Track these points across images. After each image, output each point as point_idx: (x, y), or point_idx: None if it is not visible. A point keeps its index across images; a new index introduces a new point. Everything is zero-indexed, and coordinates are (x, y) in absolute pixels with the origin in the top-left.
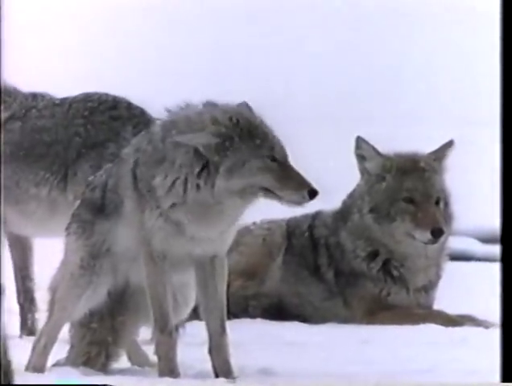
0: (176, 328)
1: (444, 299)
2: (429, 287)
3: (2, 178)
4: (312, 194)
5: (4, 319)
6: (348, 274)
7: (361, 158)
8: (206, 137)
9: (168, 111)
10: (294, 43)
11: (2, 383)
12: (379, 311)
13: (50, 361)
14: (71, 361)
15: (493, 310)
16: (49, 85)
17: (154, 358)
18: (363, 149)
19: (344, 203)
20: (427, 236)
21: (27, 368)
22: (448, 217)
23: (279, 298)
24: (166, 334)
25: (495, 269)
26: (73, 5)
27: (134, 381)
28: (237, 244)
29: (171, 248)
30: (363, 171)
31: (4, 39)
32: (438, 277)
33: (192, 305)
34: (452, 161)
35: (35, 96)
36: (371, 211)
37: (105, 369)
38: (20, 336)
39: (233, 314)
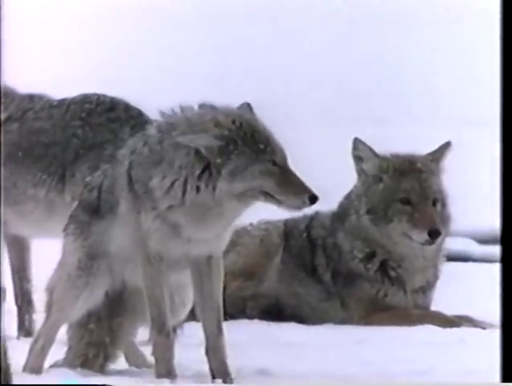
0: (174, 329)
1: (442, 300)
2: (426, 288)
3: (1, 180)
4: (313, 199)
5: (4, 321)
6: (345, 275)
7: (358, 159)
8: (209, 139)
9: (162, 113)
10: (294, 43)
11: (2, 383)
12: (376, 312)
13: (47, 362)
14: (68, 362)
15: (490, 311)
16: (48, 85)
17: (151, 359)
18: (360, 151)
19: (342, 204)
20: (424, 236)
21: (25, 369)
22: (445, 218)
23: (277, 299)
24: (163, 335)
25: (493, 270)
26: (73, 5)
27: (131, 382)
28: (234, 245)
29: (168, 250)
30: (360, 172)
31: (4, 39)
32: (435, 277)
33: (189, 306)
34: (450, 161)
35: (32, 97)
36: (368, 212)
37: (102, 370)
38: (18, 337)
39: (230, 314)
